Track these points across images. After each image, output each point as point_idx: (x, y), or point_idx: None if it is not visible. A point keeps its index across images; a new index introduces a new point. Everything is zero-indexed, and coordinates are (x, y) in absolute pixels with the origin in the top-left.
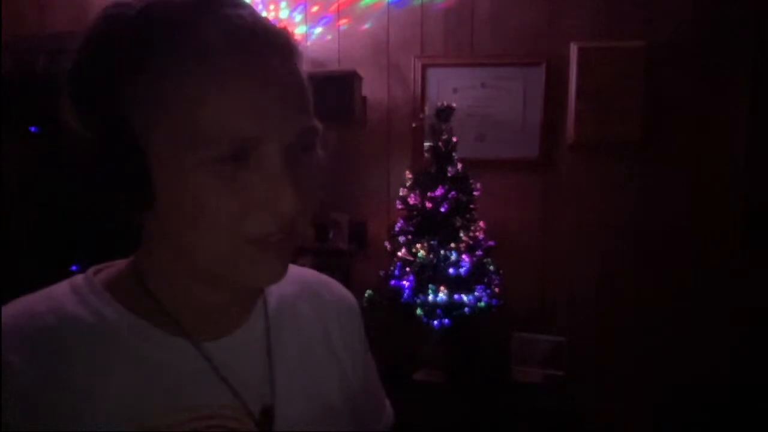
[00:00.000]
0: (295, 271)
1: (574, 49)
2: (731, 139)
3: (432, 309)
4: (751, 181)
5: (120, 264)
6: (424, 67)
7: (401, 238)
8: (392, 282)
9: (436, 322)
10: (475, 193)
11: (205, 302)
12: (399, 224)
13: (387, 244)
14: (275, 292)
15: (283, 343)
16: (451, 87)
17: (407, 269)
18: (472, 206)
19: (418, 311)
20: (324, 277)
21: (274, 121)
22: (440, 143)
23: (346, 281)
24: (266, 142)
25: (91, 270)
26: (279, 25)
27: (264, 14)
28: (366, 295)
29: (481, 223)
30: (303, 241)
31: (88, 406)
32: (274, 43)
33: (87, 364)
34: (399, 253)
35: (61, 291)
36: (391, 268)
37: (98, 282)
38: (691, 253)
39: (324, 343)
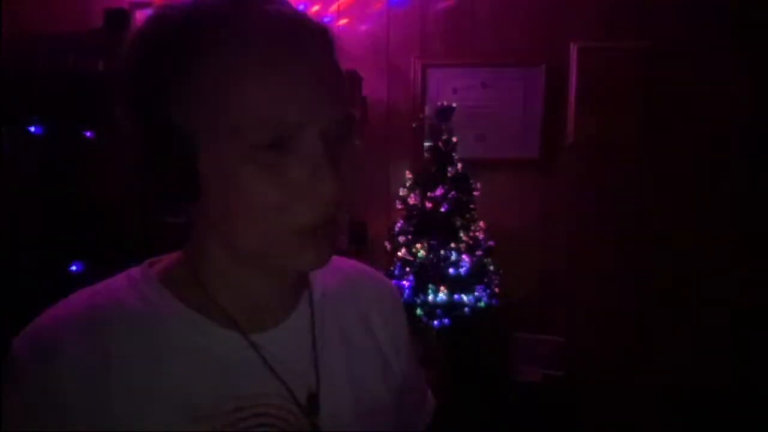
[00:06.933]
0: (338, 262)
1: (574, 49)
2: (730, 139)
3: (432, 309)
4: (750, 181)
5: (174, 256)
6: (424, 67)
7: (401, 238)
8: (392, 282)
9: (436, 322)
10: (475, 193)
11: (253, 292)
12: (399, 224)
13: (387, 244)
14: (319, 284)
15: (327, 334)
16: (451, 87)
17: (407, 269)
18: (472, 206)
19: (418, 311)
20: (366, 268)
21: (312, 107)
22: (440, 143)
23: None
24: (305, 128)
25: (146, 262)
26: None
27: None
28: None
29: (481, 223)
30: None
31: (141, 393)
32: (312, 34)
33: (143, 353)
34: (399, 253)
35: (119, 284)
36: (391, 268)
37: (153, 274)
38: (692, 253)
39: (367, 335)
